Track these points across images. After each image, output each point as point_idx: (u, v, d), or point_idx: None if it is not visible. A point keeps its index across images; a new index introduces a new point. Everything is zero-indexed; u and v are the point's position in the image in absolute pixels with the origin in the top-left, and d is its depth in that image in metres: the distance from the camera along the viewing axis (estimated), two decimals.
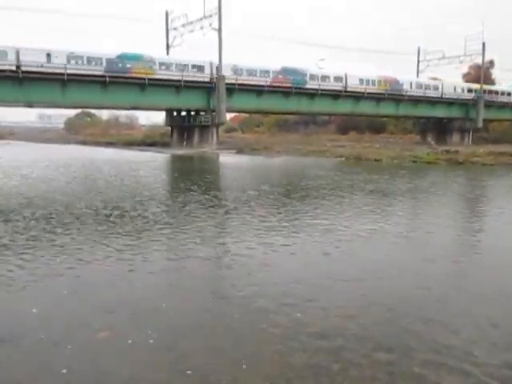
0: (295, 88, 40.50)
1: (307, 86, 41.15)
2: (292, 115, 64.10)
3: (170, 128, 44.76)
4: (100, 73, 32.95)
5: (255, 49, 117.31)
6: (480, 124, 51.71)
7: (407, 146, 38.09)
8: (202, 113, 39.54)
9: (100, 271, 5.88)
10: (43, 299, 4.93)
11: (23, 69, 30.57)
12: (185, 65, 36.22)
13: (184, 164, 25.71)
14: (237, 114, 74.44)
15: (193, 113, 40.53)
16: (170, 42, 42.24)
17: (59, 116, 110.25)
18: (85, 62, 32.64)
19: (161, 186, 15.59)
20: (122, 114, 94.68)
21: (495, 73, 64.51)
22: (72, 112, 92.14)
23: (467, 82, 58.38)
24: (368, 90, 44.31)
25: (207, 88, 37.68)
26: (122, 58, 34.10)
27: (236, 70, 37.91)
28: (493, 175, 20.25)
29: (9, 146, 49.97)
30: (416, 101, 48.60)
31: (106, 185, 15.05)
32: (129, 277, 5.67)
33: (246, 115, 79.85)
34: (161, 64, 35.44)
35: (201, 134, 39.91)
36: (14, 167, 21.37)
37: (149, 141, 49.71)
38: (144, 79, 34.74)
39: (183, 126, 41.51)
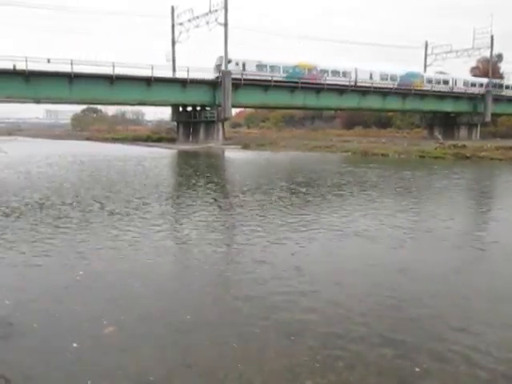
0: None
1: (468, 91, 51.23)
2: (298, 110, 63.89)
3: (176, 124, 44.82)
4: (395, 85, 44.97)
5: (256, 45, 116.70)
6: (488, 118, 51.18)
7: (414, 141, 37.80)
8: (207, 108, 39.53)
9: None
10: None
11: (28, 68, 30.86)
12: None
13: (192, 160, 25.40)
14: (242, 109, 74.45)
15: (198, 108, 40.52)
16: (176, 38, 42.24)
17: (66, 112, 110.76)
18: (388, 78, 44.61)
19: (184, 185, 14.99)
20: (129, 109, 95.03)
21: (504, 67, 63.79)
22: (79, 108, 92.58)
23: (475, 75, 57.79)
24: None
25: (213, 83, 37.66)
26: (408, 75, 46.09)
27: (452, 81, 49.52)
28: None
29: (17, 142, 49.78)
30: (423, 95, 48.21)
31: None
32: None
33: (252, 111, 79.77)
34: (427, 79, 47.45)
35: (206, 130, 39.91)
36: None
37: (155, 137, 49.83)
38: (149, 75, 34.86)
39: (189, 122, 41.56)
